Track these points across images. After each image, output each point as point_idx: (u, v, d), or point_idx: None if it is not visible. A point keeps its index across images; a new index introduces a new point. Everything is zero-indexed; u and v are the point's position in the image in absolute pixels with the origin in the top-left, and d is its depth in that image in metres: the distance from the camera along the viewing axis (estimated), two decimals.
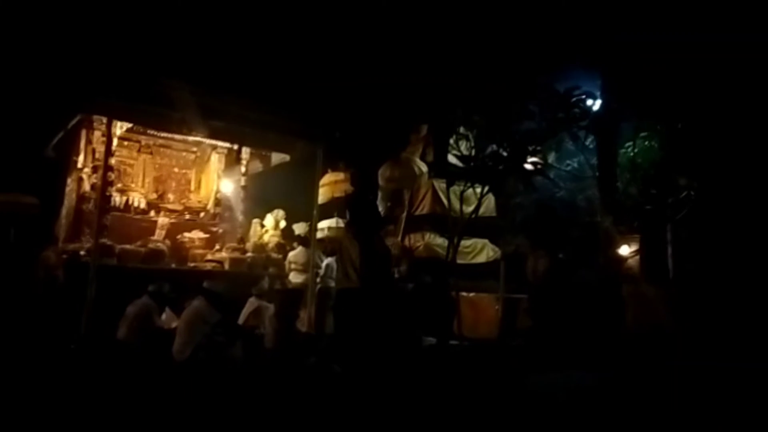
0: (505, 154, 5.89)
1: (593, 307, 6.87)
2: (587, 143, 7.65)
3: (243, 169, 9.88)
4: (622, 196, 7.70)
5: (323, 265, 8.48)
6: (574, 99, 6.43)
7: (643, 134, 7.78)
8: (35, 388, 4.80)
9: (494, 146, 6.07)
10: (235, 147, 9.78)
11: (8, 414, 4.09)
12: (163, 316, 6.61)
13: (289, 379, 5.23)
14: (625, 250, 8.48)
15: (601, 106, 7.28)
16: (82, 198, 8.69)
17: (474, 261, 10.12)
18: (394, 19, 7.66)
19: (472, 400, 4.71)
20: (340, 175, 10.49)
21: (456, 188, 7.41)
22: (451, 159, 7.02)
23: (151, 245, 8.30)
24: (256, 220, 9.86)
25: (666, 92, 7.14)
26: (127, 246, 8.06)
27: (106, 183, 7.71)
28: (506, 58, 6.55)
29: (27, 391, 4.71)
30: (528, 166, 6.20)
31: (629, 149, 7.84)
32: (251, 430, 4.14)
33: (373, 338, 5.51)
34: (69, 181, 8.99)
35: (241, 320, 7.02)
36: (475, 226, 8.37)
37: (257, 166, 10.20)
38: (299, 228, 9.67)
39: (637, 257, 8.53)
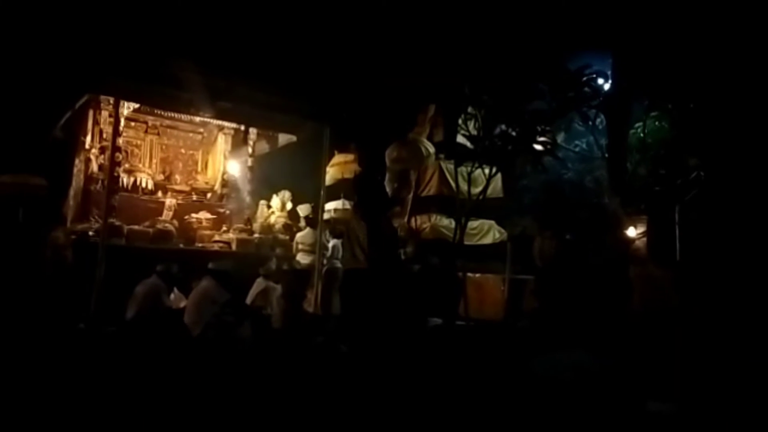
0: (514, 134, 5.83)
1: (600, 289, 6.87)
2: (597, 123, 7.58)
3: (250, 149, 9.87)
4: (631, 177, 7.65)
5: (330, 246, 8.50)
6: (584, 78, 6.36)
7: (653, 114, 7.70)
8: (45, 368, 4.86)
9: (503, 126, 6.02)
10: (242, 128, 9.75)
11: (19, 393, 4.15)
12: (171, 296, 6.66)
13: (296, 359, 5.27)
14: (632, 232, 8.45)
15: (612, 85, 7.19)
16: (90, 178, 8.71)
17: (480, 242, 10.11)
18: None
19: (477, 379, 4.73)
20: (350, 156, 10.44)
21: (463, 169, 7.37)
22: (460, 139, 6.97)
23: (159, 226, 8.33)
24: (262, 202, 9.87)
25: (678, 72, 7.04)
26: (136, 226, 8.10)
27: (114, 163, 7.71)
28: (516, 37, 6.45)
29: (37, 370, 4.77)
30: (538, 147, 6.15)
31: (639, 129, 7.77)
32: (260, 407, 4.18)
33: (380, 318, 5.54)
34: (77, 161, 9.01)
35: (248, 300, 7.07)
36: (482, 208, 8.34)
37: (264, 146, 10.17)
38: (303, 210, 9.67)
39: (645, 239, 8.50)
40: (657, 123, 7.79)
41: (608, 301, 6.79)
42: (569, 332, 6.24)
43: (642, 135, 7.72)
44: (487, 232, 10.27)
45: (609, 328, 6.40)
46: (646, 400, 3.84)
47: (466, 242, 8.72)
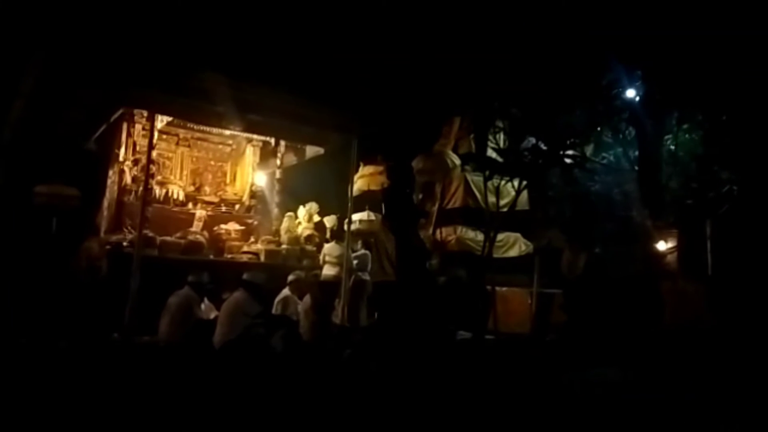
0: (544, 147, 5.84)
1: (630, 304, 6.79)
2: (626, 136, 7.53)
3: (278, 161, 10.00)
4: (662, 190, 7.57)
5: (357, 257, 8.52)
6: (614, 91, 6.36)
7: (684, 126, 7.62)
8: (82, 376, 4.97)
9: (532, 139, 6.03)
10: (271, 140, 9.89)
11: (57, 403, 4.25)
12: (202, 307, 6.76)
13: (326, 371, 5.30)
14: (662, 246, 8.34)
15: (642, 98, 7.14)
16: (123, 190, 8.88)
17: (506, 255, 10.05)
18: (430, 11, 7.62)
19: (507, 395, 4.70)
20: (376, 168, 10.48)
21: (490, 182, 7.37)
22: (489, 152, 6.99)
23: (190, 237, 8.45)
24: (290, 213, 9.96)
25: (709, 83, 6.96)
26: (168, 237, 8.22)
27: (149, 175, 7.87)
28: (547, 51, 6.45)
29: (75, 378, 4.89)
30: (567, 160, 6.14)
31: (670, 142, 7.69)
32: (292, 422, 4.21)
33: (409, 332, 5.55)
34: (111, 173, 9.20)
35: (274, 311, 7.10)
36: (507, 220, 8.33)
37: (291, 158, 10.29)
38: (329, 221, 9.73)
39: (675, 253, 8.37)
40: (688, 135, 7.71)
41: (638, 316, 6.71)
42: (598, 348, 6.19)
43: (672, 147, 7.64)
44: (512, 244, 10.21)
45: (640, 344, 6.33)
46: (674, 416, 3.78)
47: (492, 255, 8.69)
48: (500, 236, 9.82)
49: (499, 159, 6.33)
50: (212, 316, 6.63)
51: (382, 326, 5.86)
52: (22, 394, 4.33)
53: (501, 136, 6.39)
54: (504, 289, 8.87)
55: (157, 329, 6.28)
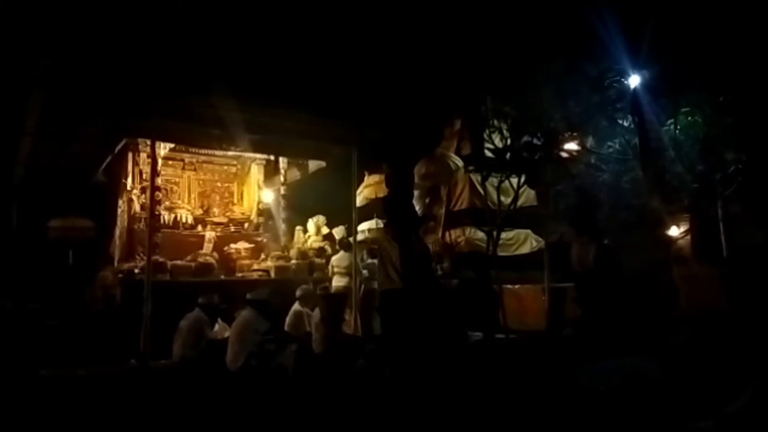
0: (539, 143, 5.81)
1: (643, 292, 6.71)
2: (627, 124, 7.44)
3: (282, 178, 10.12)
4: (668, 175, 7.46)
5: (366, 266, 8.56)
6: (607, 81, 6.30)
7: (684, 110, 7.50)
8: (109, 400, 5.08)
9: (527, 136, 6.00)
10: (273, 158, 10.01)
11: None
12: (216, 327, 6.83)
13: (340, 384, 5.32)
14: (674, 231, 8.21)
15: (638, 84, 7.06)
16: (133, 218, 9.07)
17: (517, 252, 10.01)
18: (418, 14, 7.63)
19: (525, 391, 4.68)
20: (381, 177, 10.55)
21: (493, 180, 7.34)
22: (487, 152, 6.98)
23: (200, 259, 8.57)
24: (298, 227, 10.06)
25: (706, 64, 6.86)
26: (179, 261, 8.35)
27: (155, 202, 8.00)
28: (534, 45, 6.43)
29: (103, 402, 5.00)
30: (563, 154, 6.10)
31: (671, 126, 7.58)
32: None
33: (418, 337, 5.55)
34: (120, 202, 9.40)
35: (286, 327, 7.15)
36: (517, 217, 8.26)
37: (295, 174, 10.41)
38: (338, 232, 9.80)
39: (688, 237, 8.23)
40: (689, 118, 7.58)
41: (653, 304, 6.62)
42: (614, 339, 6.12)
43: (674, 132, 7.53)
44: (523, 241, 10.17)
45: (655, 332, 6.24)
46: (692, 403, 3.72)
47: (503, 253, 8.63)
48: (510, 234, 9.79)
49: (495, 158, 6.30)
50: (226, 335, 6.69)
51: (392, 334, 5.86)
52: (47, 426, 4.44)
53: (497, 135, 6.36)
54: (517, 286, 8.82)
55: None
